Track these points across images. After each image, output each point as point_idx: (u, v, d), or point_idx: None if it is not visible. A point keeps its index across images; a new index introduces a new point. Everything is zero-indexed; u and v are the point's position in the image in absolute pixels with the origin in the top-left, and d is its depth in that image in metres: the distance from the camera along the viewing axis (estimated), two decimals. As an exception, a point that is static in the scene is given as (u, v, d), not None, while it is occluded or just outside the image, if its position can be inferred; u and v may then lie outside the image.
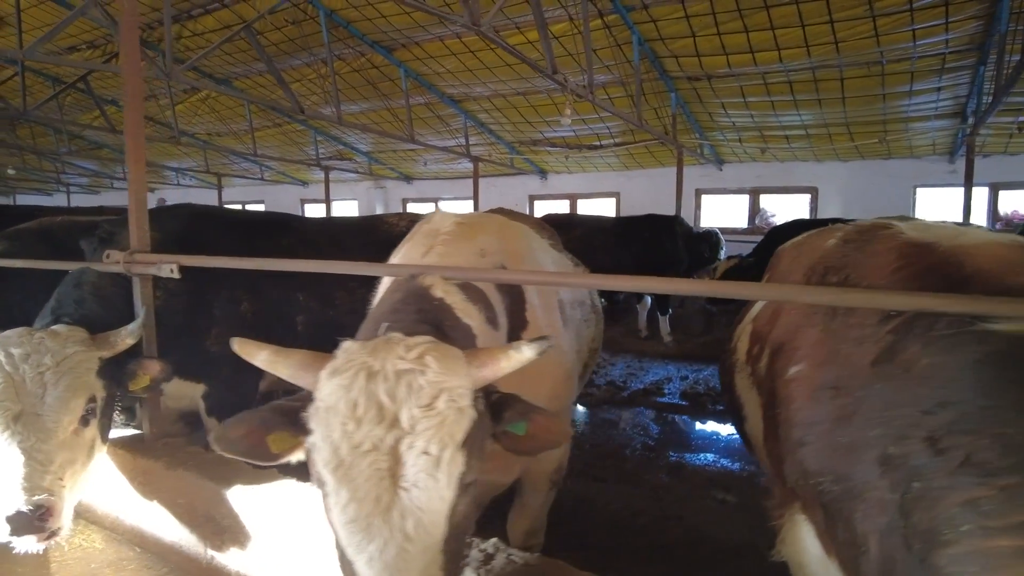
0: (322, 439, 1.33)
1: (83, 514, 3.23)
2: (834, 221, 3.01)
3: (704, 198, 13.14)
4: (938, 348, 1.43)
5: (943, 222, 1.97)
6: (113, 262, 2.90)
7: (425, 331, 1.56)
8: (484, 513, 2.65)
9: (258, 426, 1.48)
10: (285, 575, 2.40)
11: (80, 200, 20.55)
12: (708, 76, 8.98)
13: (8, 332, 2.60)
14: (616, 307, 10.32)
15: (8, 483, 2.35)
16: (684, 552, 3.59)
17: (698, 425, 6.16)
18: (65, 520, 2.44)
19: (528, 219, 3.64)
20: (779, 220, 11.95)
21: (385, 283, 2.36)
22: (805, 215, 11.67)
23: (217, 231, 3.62)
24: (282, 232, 3.93)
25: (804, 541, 1.91)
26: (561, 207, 14.51)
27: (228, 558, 2.61)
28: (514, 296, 2.35)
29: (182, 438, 3.43)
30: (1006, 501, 1.20)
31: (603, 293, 11.04)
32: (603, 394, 7.04)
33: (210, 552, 2.66)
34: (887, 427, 1.48)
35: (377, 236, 4.17)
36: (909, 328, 1.52)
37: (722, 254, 9.60)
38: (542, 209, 14.32)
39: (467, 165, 12.89)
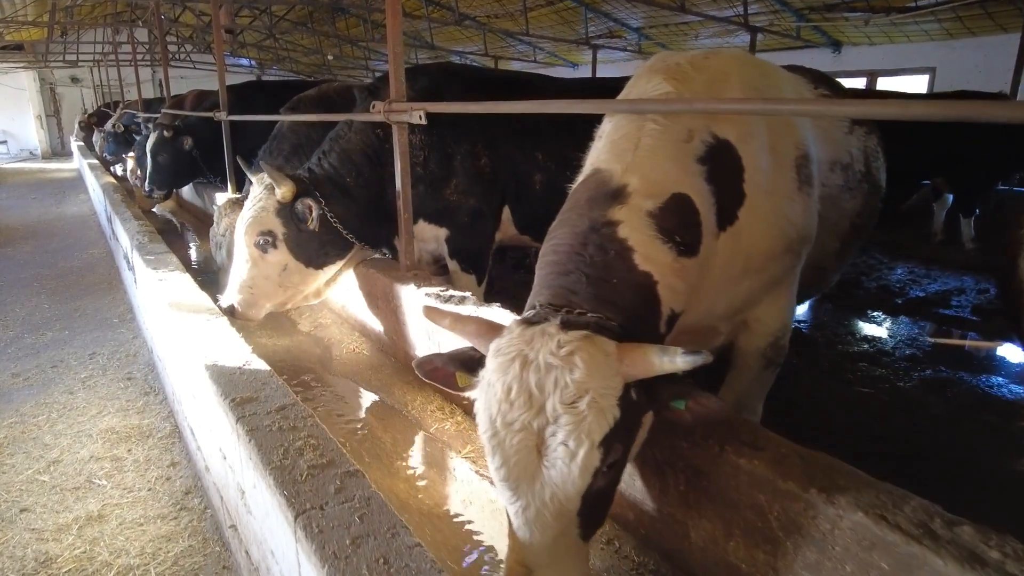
0: (482, 410, 1.53)
1: (357, 328, 3.98)
2: None
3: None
4: None
5: None
6: (376, 112, 3.29)
7: (589, 307, 1.64)
8: (696, 378, 2.59)
9: (444, 366, 1.80)
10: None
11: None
12: None
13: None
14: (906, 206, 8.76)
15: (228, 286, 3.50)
16: (906, 464, 3.23)
17: (983, 344, 5.20)
18: (256, 314, 3.47)
19: (809, 73, 3.31)
20: None
21: (606, 125, 2.23)
22: None
23: (463, 87, 3.84)
24: (524, 90, 4.00)
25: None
26: (856, 86, 12.32)
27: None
28: (728, 172, 2.10)
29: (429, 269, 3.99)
30: None
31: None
32: (871, 297, 6.30)
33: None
34: None
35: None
36: None
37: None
38: (831, 89, 12.38)
39: (745, 38, 11.59)
